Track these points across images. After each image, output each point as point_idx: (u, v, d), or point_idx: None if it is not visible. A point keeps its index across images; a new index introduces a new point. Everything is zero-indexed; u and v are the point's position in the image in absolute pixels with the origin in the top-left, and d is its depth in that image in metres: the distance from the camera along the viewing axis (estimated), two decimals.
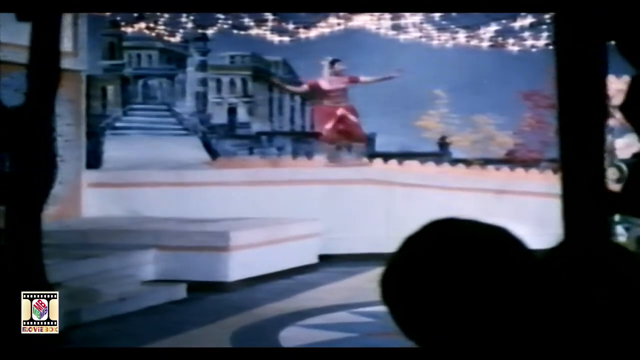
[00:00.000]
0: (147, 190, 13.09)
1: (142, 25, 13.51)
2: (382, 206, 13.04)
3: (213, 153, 16.13)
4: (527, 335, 1.29)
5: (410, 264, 1.39)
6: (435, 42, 14.58)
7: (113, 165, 14.10)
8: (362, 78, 14.94)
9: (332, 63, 14.85)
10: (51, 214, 11.81)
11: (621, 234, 13.72)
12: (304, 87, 15.50)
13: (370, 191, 13.31)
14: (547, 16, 12.06)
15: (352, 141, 15.00)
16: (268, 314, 9.18)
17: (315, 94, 15.25)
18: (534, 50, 14.12)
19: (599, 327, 1.27)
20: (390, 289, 1.40)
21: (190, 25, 13.47)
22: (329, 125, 14.78)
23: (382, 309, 1.36)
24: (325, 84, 14.87)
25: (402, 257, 1.42)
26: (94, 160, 14.14)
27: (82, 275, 9.33)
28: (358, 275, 11.03)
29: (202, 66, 17.85)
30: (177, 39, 13.68)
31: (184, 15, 13.18)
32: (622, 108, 1.38)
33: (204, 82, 17.91)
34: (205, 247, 10.51)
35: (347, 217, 12.79)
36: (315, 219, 12.34)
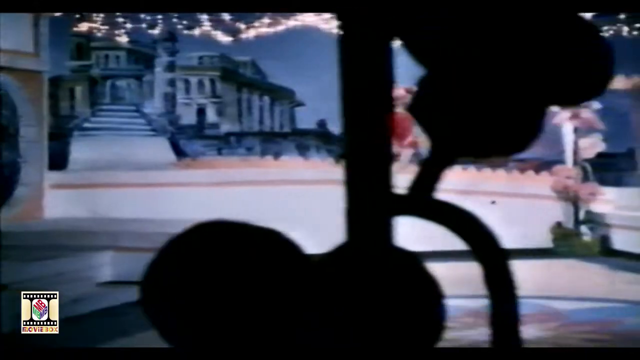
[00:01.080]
0: (112, 191, 13.01)
1: (87, 25, 13.39)
2: None
3: (182, 154, 16.10)
4: (296, 337, 1.28)
5: (168, 266, 1.36)
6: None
7: (80, 167, 14.02)
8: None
9: None
10: (13, 216, 11.78)
11: (585, 234, 13.77)
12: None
13: (340, 192, 13.25)
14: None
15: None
16: None
17: None
18: None
19: (378, 332, 1.25)
20: (145, 292, 1.37)
21: (129, 25, 13.33)
22: (409, 138, 14.44)
23: None
24: None
25: (161, 259, 1.39)
26: (61, 161, 14.06)
27: (37, 277, 9.27)
28: None
29: (171, 67, 17.82)
30: (122, 39, 13.59)
31: (120, 15, 13.05)
32: (411, 109, 1.36)
33: (172, 83, 17.89)
34: None
35: (315, 218, 12.74)
36: (281, 220, 12.28)
